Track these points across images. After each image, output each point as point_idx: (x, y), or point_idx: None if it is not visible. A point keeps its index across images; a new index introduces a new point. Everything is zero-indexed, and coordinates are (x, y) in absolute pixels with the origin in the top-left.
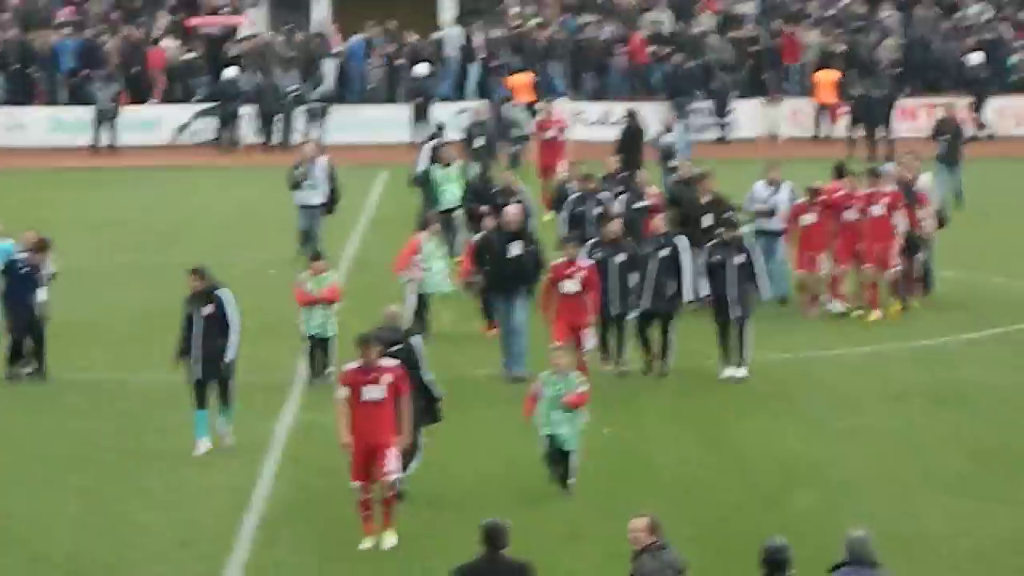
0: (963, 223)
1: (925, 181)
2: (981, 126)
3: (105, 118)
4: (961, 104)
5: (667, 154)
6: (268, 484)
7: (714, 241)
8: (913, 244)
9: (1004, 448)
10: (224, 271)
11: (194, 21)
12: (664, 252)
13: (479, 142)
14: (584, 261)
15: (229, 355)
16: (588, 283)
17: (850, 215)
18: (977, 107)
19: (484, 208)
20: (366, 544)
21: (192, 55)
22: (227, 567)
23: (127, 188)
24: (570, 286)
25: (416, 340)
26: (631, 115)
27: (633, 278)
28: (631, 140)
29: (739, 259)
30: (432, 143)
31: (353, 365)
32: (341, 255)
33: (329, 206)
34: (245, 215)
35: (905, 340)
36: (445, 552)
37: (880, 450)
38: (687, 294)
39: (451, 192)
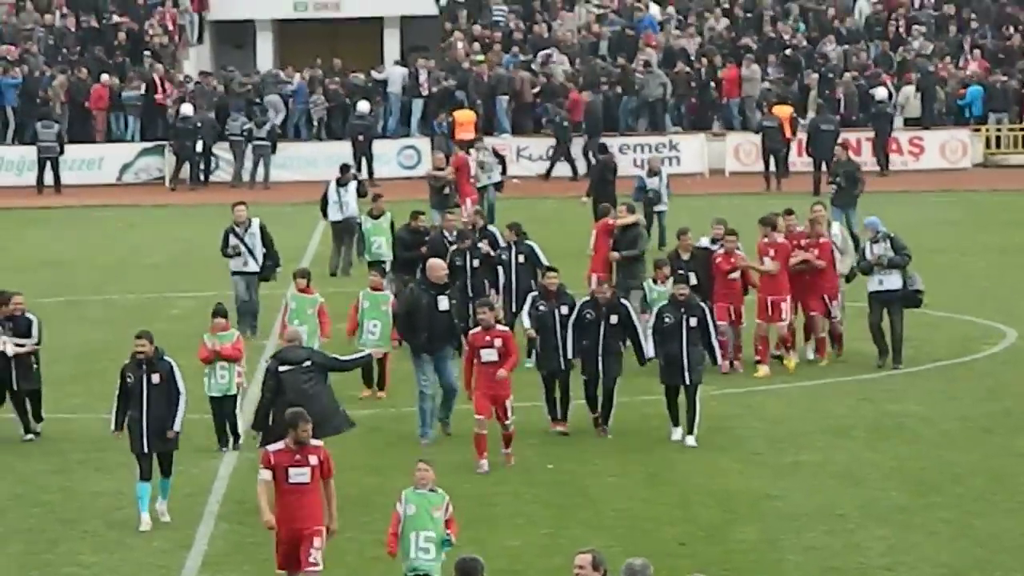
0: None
1: (835, 229)
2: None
3: (48, 156)
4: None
5: (653, 200)
6: (211, 523)
7: (665, 302)
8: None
9: (946, 480)
10: (162, 310)
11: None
12: (613, 318)
13: (445, 191)
14: (500, 328)
15: (177, 426)
16: (508, 350)
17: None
18: (880, 141)
19: (411, 255)
20: None
21: (135, 93)
22: None
23: (69, 227)
24: (488, 355)
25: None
26: (603, 148)
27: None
28: (603, 177)
29: (693, 321)
30: (346, 184)
31: (278, 446)
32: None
33: (265, 273)
34: (185, 254)
35: (847, 374)
36: None
37: (822, 483)
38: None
39: (377, 246)
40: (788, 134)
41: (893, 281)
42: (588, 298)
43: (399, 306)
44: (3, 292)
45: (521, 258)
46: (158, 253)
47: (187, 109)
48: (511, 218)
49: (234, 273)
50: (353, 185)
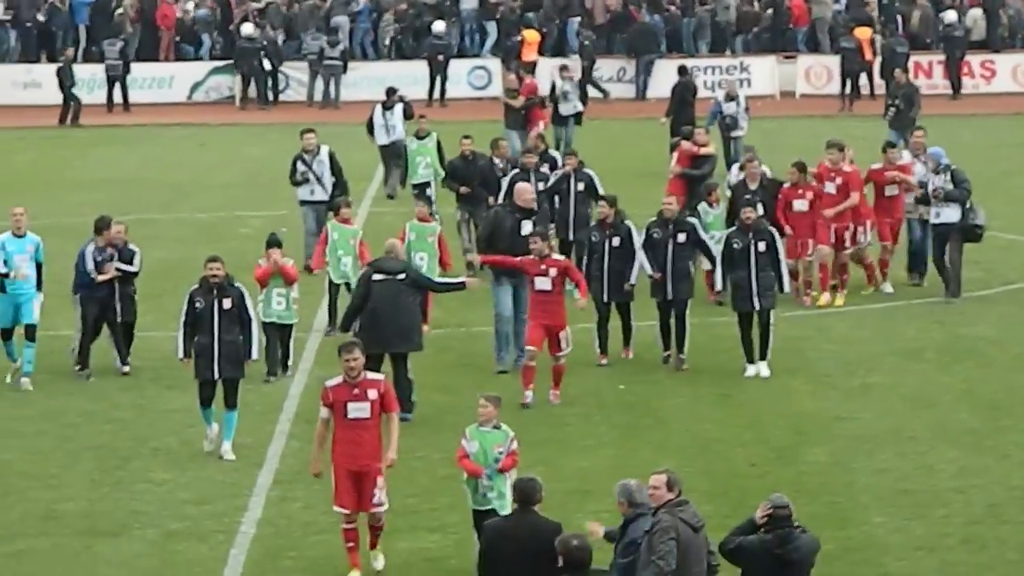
0: (974, 181)
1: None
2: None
3: (114, 75)
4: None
5: (730, 125)
6: (282, 442)
7: (734, 226)
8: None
9: (1017, 404)
10: (233, 229)
11: None
12: (681, 236)
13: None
14: (555, 257)
15: (255, 354)
16: (564, 278)
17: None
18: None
19: (463, 187)
20: None
21: (205, 12)
22: (242, 524)
23: (139, 145)
24: (542, 283)
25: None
26: (682, 71)
27: (626, 263)
28: (683, 98)
29: (762, 245)
30: (392, 107)
31: (336, 380)
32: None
33: (333, 203)
34: (256, 174)
35: (918, 297)
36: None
37: (892, 406)
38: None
39: (424, 166)
40: (868, 55)
41: (950, 214)
42: (655, 216)
43: (482, 228)
44: (103, 217)
45: (580, 186)
46: (228, 172)
47: (247, 28)
48: (581, 140)
49: (302, 203)
50: (399, 108)
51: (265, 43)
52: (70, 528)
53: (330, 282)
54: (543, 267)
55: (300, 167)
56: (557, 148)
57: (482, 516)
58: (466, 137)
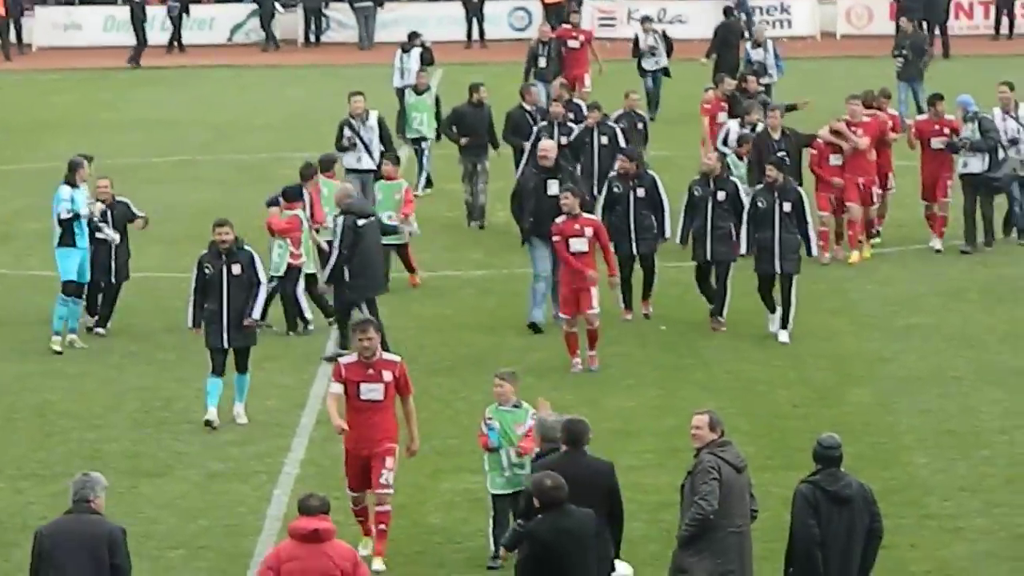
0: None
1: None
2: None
3: (175, 16)
4: None
5: (759, 72)
6: (324, 383)
7: (759, 185)
8: None
9: None
10: (275, 170)
11: None
12: (721, 195)
13: (543, 61)
14: (588, 216)
15: (256, 313)
16: (598, 240)
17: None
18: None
19: (463, 138)
20: (366, 549)
21: None
22: (285, 464)
23: (180, 87)
24: (578, 245)
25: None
26: (727, 11)
27: (648, 216)
28: (726, 39)
29: (787, 206)
30: (410, 50)
31: (351, 359)
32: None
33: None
34: (295, 115)
35: (961, 238)
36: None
37: (936, 347)
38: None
39: (421, 121)
40: None
41: (976, 164)
42: (698, 176)
43: (513, 192)
44: (76, 158)
45: (604, 139)
46: (269, 113)
47: None
48: (623, 84)
49: (348, 171)
50: (416, 52)
51: None
52: (114, 468)
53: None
54: (577, 227)
55: (347, 132)
56: (650, 107)
57: (502, 502)
58: (478, 84)
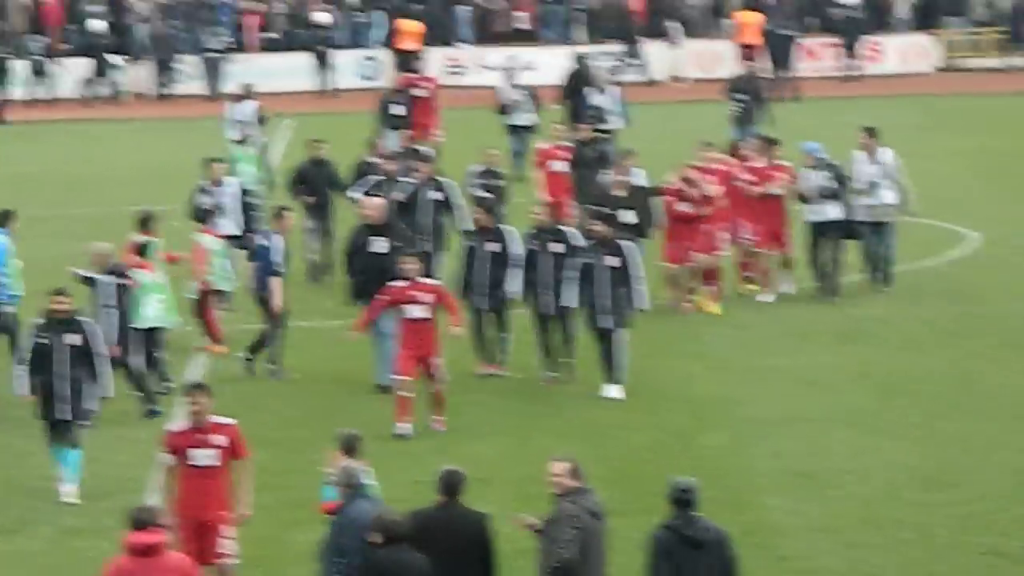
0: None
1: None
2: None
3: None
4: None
5: (595, 117)
6: None
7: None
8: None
9: (911, 384)
10: (123, 225)
11: None
12: (557, 246)
13: (397, 110)
14: (428, 281)
15: (108, 392)
16: (442, 303)
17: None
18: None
19: (308, 198)
20: None
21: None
22: None
23: (26, 142)
24: (417, 312)
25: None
26: (580, 59)
27: (502, 270)
28: (578, 87)
29: (612, 261)
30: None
31: (180, 425)
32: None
33: (243, 240)
34: (147, 168)
35: (809, 280)
36: None
37: (787, 388)
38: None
39: (244, 173)
40: (755, 40)
41: (833, 211)
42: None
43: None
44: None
45: (438, 196)
46: (121, 167)
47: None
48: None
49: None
50: (249, 104)
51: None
52: None
53: None
54: (414, 293)
55: (205, 199)
56: (515, 161)
57: None
58: (317, 141)
